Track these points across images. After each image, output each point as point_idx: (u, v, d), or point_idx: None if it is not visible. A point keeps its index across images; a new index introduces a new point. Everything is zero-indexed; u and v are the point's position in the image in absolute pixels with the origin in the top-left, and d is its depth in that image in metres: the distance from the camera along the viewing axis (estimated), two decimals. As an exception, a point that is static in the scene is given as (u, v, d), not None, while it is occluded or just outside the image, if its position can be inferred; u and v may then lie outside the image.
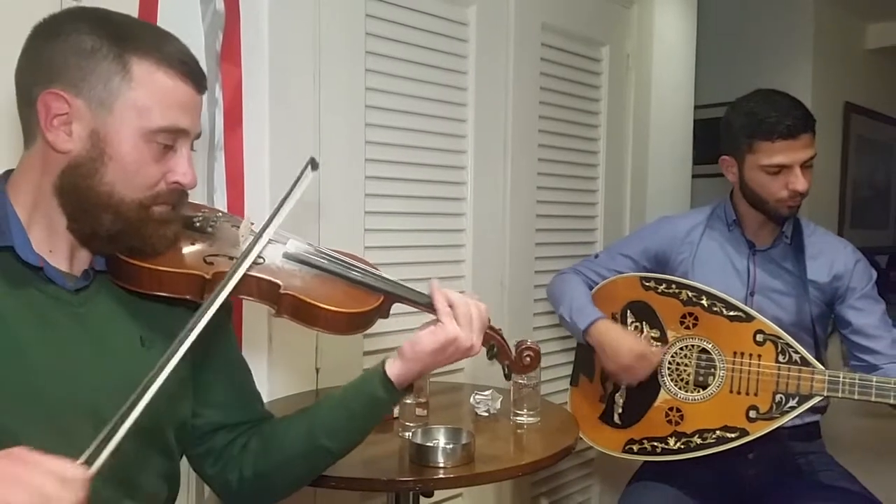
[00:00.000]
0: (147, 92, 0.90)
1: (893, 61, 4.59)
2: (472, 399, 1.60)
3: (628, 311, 1.80)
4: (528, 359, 1.19)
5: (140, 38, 0.92)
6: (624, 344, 1.71)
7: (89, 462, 0.76)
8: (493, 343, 1.16)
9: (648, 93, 2.66)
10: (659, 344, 1.73)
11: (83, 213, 0.92)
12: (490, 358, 1.17)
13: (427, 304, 1.10)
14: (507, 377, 1.21)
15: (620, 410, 1.76)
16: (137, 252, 0.95)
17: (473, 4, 2.02)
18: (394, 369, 1.07)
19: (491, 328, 1.15)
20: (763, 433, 1.57)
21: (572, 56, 2.36)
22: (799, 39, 3.80)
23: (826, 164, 3.99)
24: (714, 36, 3.45)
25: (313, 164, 1.04)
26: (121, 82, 0.89)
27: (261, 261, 1.02)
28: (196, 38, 1.46)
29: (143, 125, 0.90)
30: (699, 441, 1.63)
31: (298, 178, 1.04)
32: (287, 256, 1.06)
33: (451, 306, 1.09)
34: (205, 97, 1.45)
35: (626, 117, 2.59)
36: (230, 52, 1.51)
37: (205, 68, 1.45)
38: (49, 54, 0.90)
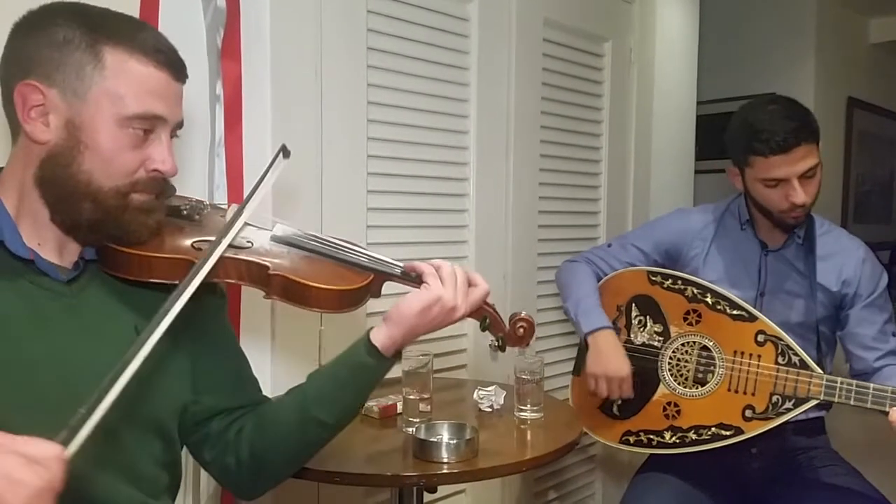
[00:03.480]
0: (120, 80, 0.91)
1: (896, 56, 4.58)
2: (475, 394, 1.60)
3: (633, 305, 1.80)
4: (521, 330, 1.18)
5: (113, 27, 0.93)
6: (614, 361, 1.72)
7: (65, 442, 0.74)
8: (486, 315, 1.16)
9: (651, 88, 2.66)
10: (660, 340, 1.73)
11: (63, 202, 0.93)
12: (483, 329, 1.17)
13: (417, 280, 1.11)
14: (502, 349, 1.20)
15: (619, 402, 1.77)
16: (119, 241, 0.96)
17: (475, 0, 2.01)
18: (379, 334, 1.08)
19: (485, 302, 1.15)
20: (757, 433, 1.58)
21: (574, 51, 2.35)
22: (802, 35, 3.79)
23: (829, 159, 3.96)
24: (717, 31, 3.44)
25: (284, 151, 1.06)
26: (93, 71, 0.90)
27: (249, 245, 1.04)
28: (197, 34, 1.46)
29: (117, 112, 0.91)
30: (694, 437, 1.64)
31: (270, 165, 1.06)
32: (275, 239, 1.08)
33: (436, 269, 1.10)
34: (206, 93, 1.48)
35: (629, 113, 2.58)
36: (230, 48, 1.51)
37: (206, 64, 1.48)
38: (25, 48, 0.91)
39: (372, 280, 1.09)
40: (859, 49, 4.31)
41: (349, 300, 1.06)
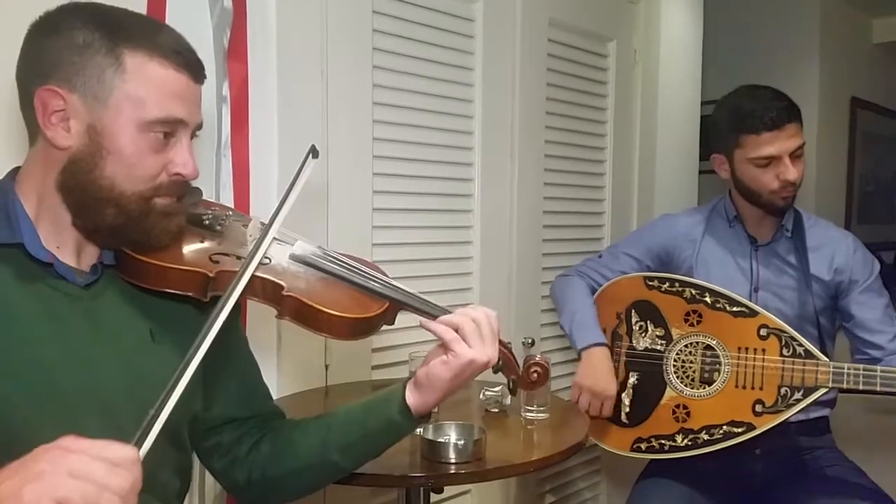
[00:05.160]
0: (141, 83, 0.90)
1: (900, 56, 4.56)
2: (481, 395, 1.60)
3: (633, 311, 1.80)
4: (535, 375, 1.17)
5: (133, 30, 0.92)
6: (602, 379, 1.74)
7: (139, 443, 0.75)
8: (501, 356, 1.14)
9: (655, 88, 2.66)
10: (663, 344, 1.73)
11: (86, 208, 0.92)
12: (496, 371, 1.15)
13: (431, 314, 1.08)
14: (513, 392, 1.20)
15: (627, 410, 1.77)
16: (141, 245, 0.95)
17: (480, 0, 2.01)
18: (413, 397, 1.07)
19: (500, 342, 1.13)
20: (770, 426, 1.58)
21: (579, 52, 2.35)
22: (805, 34, 3.78)
23: (832, 159, 3.98)
24: (721, 31, 3.43)
25: (314, 151, 1.04)
26: (114, 75, 0.89)
27: (266, 261, 1.02)
28: (205, 35, 1.46)
29: (138, 117, 0.90)
30: (706, 437, 1.63)
31: (301, 167, 1.03)
32: (293, 258, 1.05)
33: (455, 330, 1.05)
34: (213, 94, 1.48)
35: (634, 113, 2.58)
36: (237, 48, 1.51)
37: (213, 65, 1.48)
38: (44, 51, 0.90)
39: (387, 308, 1.06)
40: (863, 49, 4.30)
41: (362, 328, 1.04)
